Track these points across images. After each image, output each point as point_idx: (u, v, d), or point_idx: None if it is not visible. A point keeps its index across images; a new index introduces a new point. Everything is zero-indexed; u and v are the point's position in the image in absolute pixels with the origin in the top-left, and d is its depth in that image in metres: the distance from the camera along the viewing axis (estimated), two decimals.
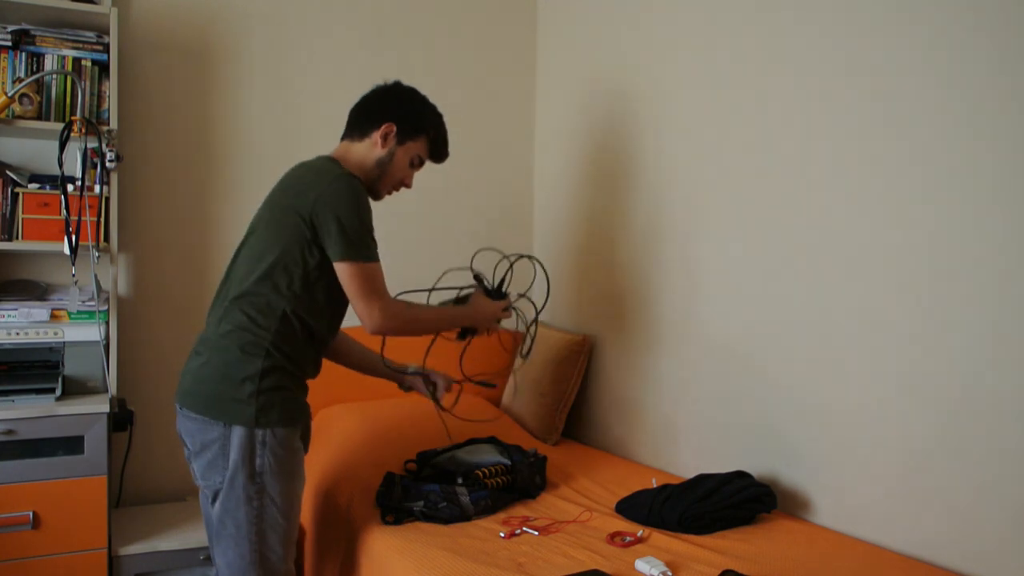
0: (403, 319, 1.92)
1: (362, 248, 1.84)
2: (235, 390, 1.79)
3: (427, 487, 2.07)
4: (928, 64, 1.82)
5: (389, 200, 3.03)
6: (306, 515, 2.39)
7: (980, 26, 1.71)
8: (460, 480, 2.12)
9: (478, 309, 2.11)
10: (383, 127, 2.02)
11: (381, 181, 2.06)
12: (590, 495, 2.27)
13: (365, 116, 2.05)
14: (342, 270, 1.84)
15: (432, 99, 3.10)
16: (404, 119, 2.04)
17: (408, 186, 2.13)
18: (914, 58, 1.84)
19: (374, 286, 1.86)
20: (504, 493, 2.16)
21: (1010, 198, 1.67)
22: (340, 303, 1.95)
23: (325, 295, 1.89)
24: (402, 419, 2.58)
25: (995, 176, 1.69)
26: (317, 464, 2.45)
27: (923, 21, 1.82)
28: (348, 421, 2.59)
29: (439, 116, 2.13)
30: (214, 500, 1.84)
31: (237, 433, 1.79)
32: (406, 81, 3.06)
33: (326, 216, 1.82)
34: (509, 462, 2.22)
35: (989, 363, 1.71)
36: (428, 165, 3.09)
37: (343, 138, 2.09)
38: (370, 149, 2.03)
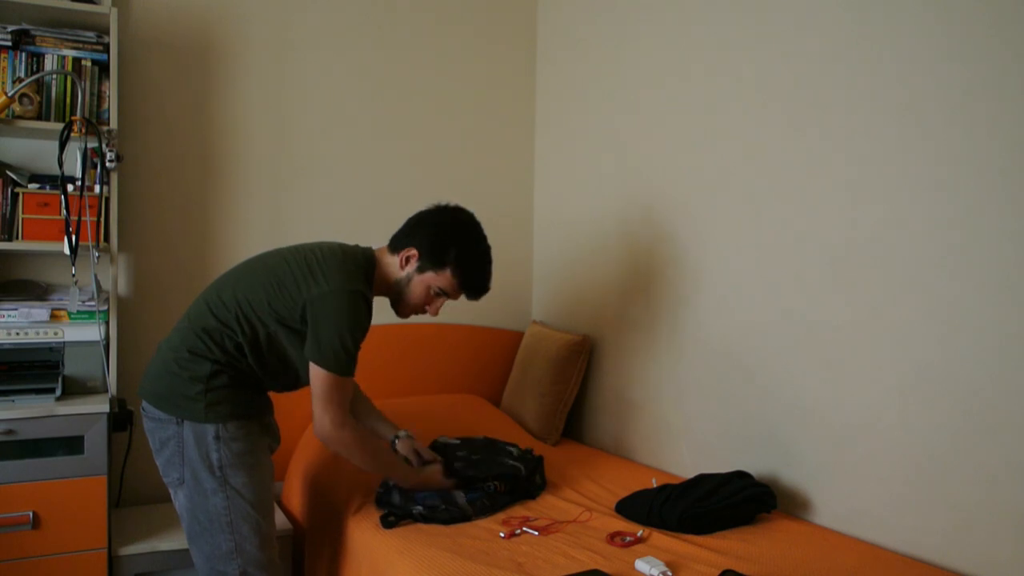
0: (350, 442, 1.91)
1: (339, 362, 1.83)
2: (185, 387, 1.85)
3: (421, 495, 2.07)
4: (929, 61, 1.82)
5: (391, 200, 3.05)
6: (306, 516, 2.39)
7: (979, 15, 1.72)
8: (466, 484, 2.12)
9: (425, 478, 2.10)
10: (407, 250, 1.99)
11: (400, 303, 2.04)
12: (590, 495, 2.27)
13: (404, 232, 2.03)
14: (313, 370, 1.85)
15: (432, 98, 3.14)
16: (428, 248, 1.97)
17: (433, 314, 2.04)
18: (913, 55, 1.84)
19: (337, 396, 1.86)
20: (504, 494, 2.16)
21: (1013, 197, 1.66)
22: (290, 379, 1.98)
23: (276, 362, 1.93)
24: (401, 419, 2.58)
25: (998, 175, 1.69)
26: (317, 464, 2.45)
27: (926, 19, 1.82)
28: None
29: (472, 254, 2.00)
30: (176, 495, 1.90)
31: (189, 429, 1.84)
32: (405, 81, 3.09)
33: (317, 319, 1.83)
34: (522, 470, 2.21)
35: (989, 363, 1.71)
36: (423, 159, 3.13)
37: (390, 240, 2.06)
38: (395, 268, 2.01)
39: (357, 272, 1.91)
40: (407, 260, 1.99)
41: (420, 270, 1.99)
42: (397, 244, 2.02)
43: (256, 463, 1.90)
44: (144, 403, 1.93)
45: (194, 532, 1.89)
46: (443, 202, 2.08)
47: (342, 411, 1.88)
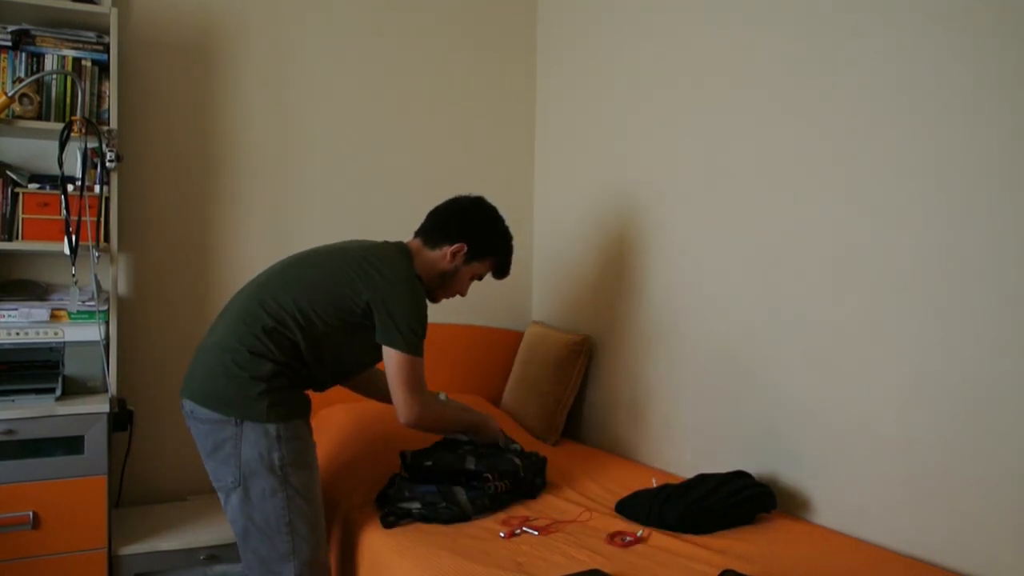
0: (435, 418, 2.10)
1: (416, 343, 1.97)
2: (246, 387, 1.85)
3: (423, 488, 2.07)
4: (929, 63, 1.82)
5: (392, 199, 3.05)
6: None
7: (977, 17, 1.72)
8: (464, 480, 2.12)
9: (492, 422, 2.32)
10: (455, 245, 2.13)
11: (440, 290, 2.19)
12: (590, 495, 2.27)
13: (441, 228, 2.16)
14: (390, 356, 1.97)
15: (432, 98, 3.14)
16: (477, 242, 2.15)
17: (463, 295, 2.25)
18: (914, 56, 1.84)
19: (417, 380, 1.99)
20: (504, 494, 2.15)
21: (1013, 199, 1.67)
22: (344, 371, 2.12)
23: (333, 360, 2.01)
24: None
25: (998, 178, 1.69)
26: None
27: (926, 20, 1.83)
28: (347, 421, 2.59)
29: (509, 240, 2.23)
30: (229, 499, 1.88)
31: (249, 429, 1.84)
32: (405, 81, 3.10)
33: (388, 309, 1.95)
34: (520, 469, 2.20)
35: (988, 363, 1.71)
36: (423, 159, 3.14)
37: (418, 234, 2.19)
38: (438, 261, 2.14)
39: (409, 263, 2.06)
40: (454, 254, 2.13)
41: (467, 261, 2.15)
42: (436, 239, 2.14)
43: (311, 461, 1.95)
44: (192, 405, 1.89)
45: (249, 533, 1.87)
46: (461, 194, 2.23)
47: (424, 392, 2.02)
